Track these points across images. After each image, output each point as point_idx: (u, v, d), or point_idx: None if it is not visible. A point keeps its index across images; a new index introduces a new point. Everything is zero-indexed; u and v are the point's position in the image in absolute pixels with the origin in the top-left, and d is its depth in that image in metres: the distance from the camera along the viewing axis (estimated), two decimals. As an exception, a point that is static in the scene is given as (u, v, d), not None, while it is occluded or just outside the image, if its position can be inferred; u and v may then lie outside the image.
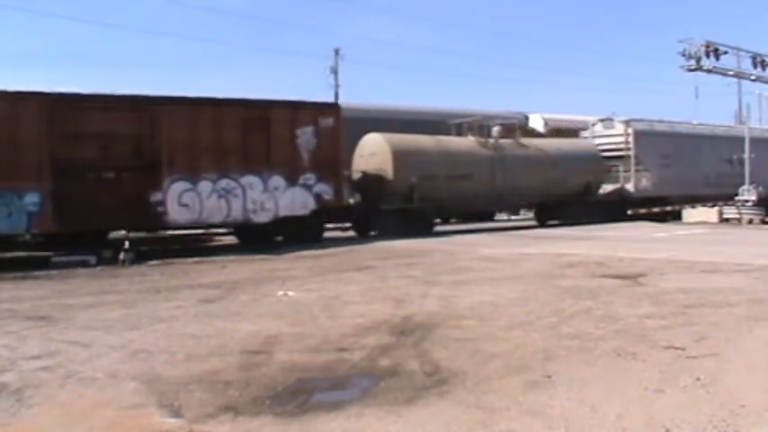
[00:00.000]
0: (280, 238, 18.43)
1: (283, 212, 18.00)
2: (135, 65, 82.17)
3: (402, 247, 17.54)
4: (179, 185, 16.73)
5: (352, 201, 20.97)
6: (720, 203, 26.60)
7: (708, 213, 25.39)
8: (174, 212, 16.66)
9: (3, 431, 4.62)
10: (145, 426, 4.64)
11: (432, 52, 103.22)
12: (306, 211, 18.35)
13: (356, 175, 21.29)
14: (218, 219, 17.40)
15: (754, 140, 29.57)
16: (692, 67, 26.93)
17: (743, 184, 27.63)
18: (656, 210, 25.84)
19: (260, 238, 17.81)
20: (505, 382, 5.37)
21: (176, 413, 4.84)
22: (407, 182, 20.74)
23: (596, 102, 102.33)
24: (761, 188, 26.96)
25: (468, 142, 23.36)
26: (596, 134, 27.58)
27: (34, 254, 15.90)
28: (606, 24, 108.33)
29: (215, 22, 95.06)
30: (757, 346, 6.48)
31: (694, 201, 27.41)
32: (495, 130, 23.93)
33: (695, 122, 32.10)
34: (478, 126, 23.69)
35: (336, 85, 44.55)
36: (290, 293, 10.11)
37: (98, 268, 14.19)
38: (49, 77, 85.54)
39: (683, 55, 26.47)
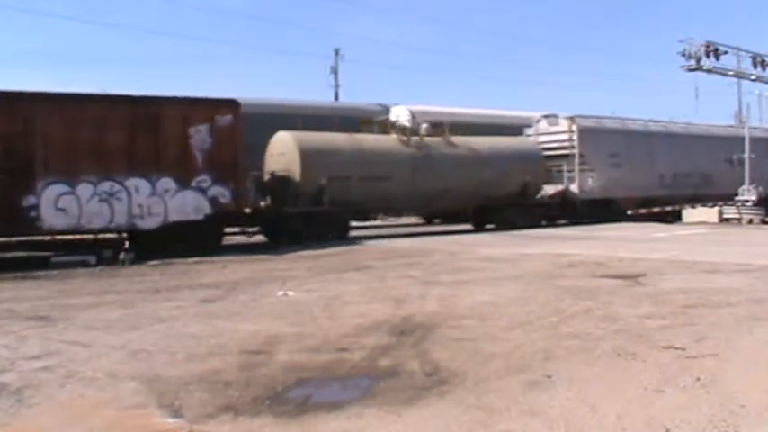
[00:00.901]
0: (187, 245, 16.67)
1: (174, 217, 16.56)
2: (135, 65, 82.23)
3: (402, 247, 17.54)
4: (55, 189, 15.44)
5: (263, 204, 19.50)
6: (695, 205, 26.09)
7: (708, 213, 25.37)
8: (50, 218, 15.38)
9: (3, 431, 4.62)
10: (145, 426, 4.64)
11: (432, 52, 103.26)
12: (200, 216, 16.88)
13: (267, 176, 19.92)
14: (99, 224, 16.02)
15: (732, 139, 28.92)
16: (692, 67, 26.89)
17: (704, 185, 27.11)
18: (655, 210, 25.76)
19: (149, 245, 16.07)
20: (505, 382, 5.37)
21: (176, 413, 4.84)
22: (316, 183, 19.21)
23: (596, 102, 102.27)
24: (761, 188, 26.63)
25: (388, 141, 21.82)
26: (541, 132, 25.89)
27: (34, 254, 15.89)
28: (606, 24, 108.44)
29: (215, 22, 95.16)
30: (757, 346, 6.48)
31: (647, 204, 26.27)
32: (424, 127, 22.30)
33: (649, 119, 30.17)
34: (404, 123, 22.10)
35: (336, 85, 44.58)
36: (290, 293, 10.11)
37: (98, 268, 14.18)
38: (49, 77, 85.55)
39: (683, 55, 26.45)
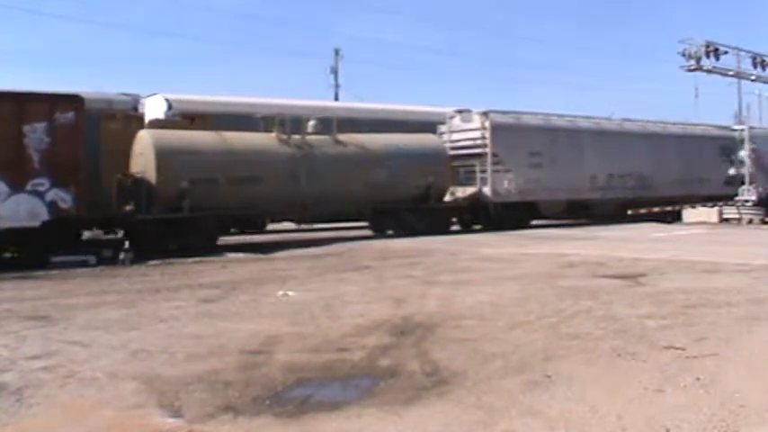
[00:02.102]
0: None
1: (5, 223, 14.91)
2: (135, 65, 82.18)
3: (402, 247, 17.53)
4: None
5: (128, 209, 17.52)
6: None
7: (708, 213, 25.36)
8: None
9: (3, 431, 4.62)
10: (145, 426, 4.64)
11: (432, 52, 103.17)
12: (36, 223, 15.25)
13: (129, 179, 17.84)
14: None
15: (680, 138, 28.23)
16: (692, 67, 26.86)
17: (644, 187, 25.85)
18: (656, 210, 25.73)
19: None
20: (505, 382, 5.37)
21: (176, 413, 4.84)
22: (176, 186, 17.05)
23: (596, 102, 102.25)
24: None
25: (264, 139, 19.35)
26: (454, 129, 23.73)
27: (34, 254, 15.88)
28: (606, 24, 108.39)
29: (215, 22, 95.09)
30: (757, 346, 6.48)
31: (576, 207, 25.08)
32: (311, 124, 20.09)
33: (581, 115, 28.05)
34: (288, 120, 19.63)
35: (336, 85, 44.53)
36: (290, 293, 10.11)
37: (98, 268, 14.18)
38: (49, 77, 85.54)
39: (683, 55, 26.42)
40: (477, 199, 22.54)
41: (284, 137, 19.36)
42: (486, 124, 22.89)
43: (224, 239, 19.17)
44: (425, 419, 4.60)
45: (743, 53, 27.87)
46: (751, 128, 30.41)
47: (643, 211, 25.62)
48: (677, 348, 6.26)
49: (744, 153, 28.76)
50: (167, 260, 15.19)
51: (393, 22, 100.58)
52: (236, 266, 14.17)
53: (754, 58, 28.00)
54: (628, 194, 26.19)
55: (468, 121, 23.45)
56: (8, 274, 12.97)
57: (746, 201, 25.41)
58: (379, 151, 20.49)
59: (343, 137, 20.27)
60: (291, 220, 20.78)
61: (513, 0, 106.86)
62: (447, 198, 22.30)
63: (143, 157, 17.47)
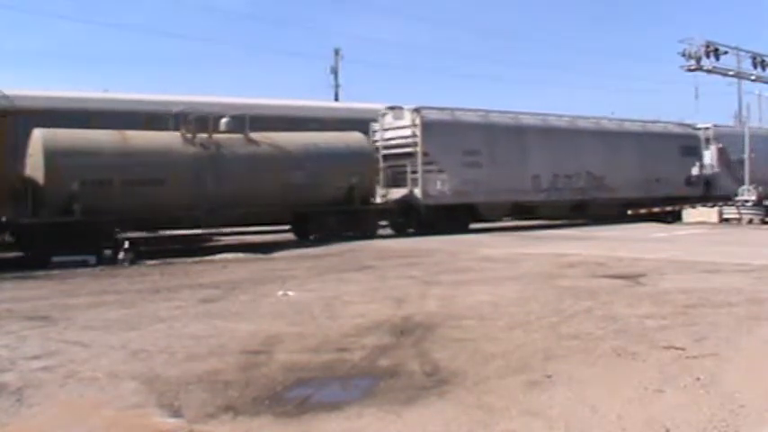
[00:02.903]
0: None
1: None
2: (135, 65, 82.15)
3: (402, 247, 17.54)
4: None
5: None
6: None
7: (708, 213, 25.37)
8: None
9: (3, 431, 4.62)
10: (145, 426, 4.64)
11: (432, 52, 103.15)
12: None
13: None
14: None
15: (636, 136, 27.13)
16: (692, 67, 26.87)
17: (595, 188, 24.69)
18: (656, 210, 25.70)
19: None
20: (505, 382, 5.37)
21: (176, 413, 4.84)
22: (65, 189, 15.79)
23: (596, 102, 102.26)
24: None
25: (167, 138, 17.88)
26: (386, 126, 22.20)
27: (34, 254, 15.88)
28: (606, 24, 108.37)
29: (215, 22, 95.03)
30: (757, 346, 6.49)
31: (520, 210, 23.84)
32: (224, 122, 18.67)
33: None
34: (193, 118, 18.07)
35: (336, 85, 44.50)
36: (290, 293, 10.11)
37: (98, 268, 14.19)
38: (49, 77, 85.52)
39: (683, 55, 26.43)
40: (408, 201, 21.18)
41: (190, 135, 17.94)
42: (417, 121, 21.28)
43: (224, 240, 19.17)
44: (425, 419, 4.60)
45: (743, 53, 27.90)
46: (716, 125, 29.87)
47: (643, 211, 25.62)
48: (677, 348, 6.26)
49: (709, 153, 28.60)
50: (167, 260, 15.20)
51: (393, 22, 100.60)
52: (236, 266, 14.17)
53: (754, 58, 28.01)
54: (577, 196, 24.62)
55: (400, 118, 21.85)
56: (8, 274, 12.97)
57: (746, 201, 25.40)
58: (297, 151, 19.20)
59: (257, 136, 18.93)
60: (199, 226, 18.60)
61: (514, 0, 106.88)
62: (379, 200, 21.11)
63: (33, 158, 16.59)
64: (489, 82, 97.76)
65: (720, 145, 29.18)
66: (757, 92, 37.79)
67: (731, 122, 42.42)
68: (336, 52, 45.22)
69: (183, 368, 5.99)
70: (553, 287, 10.11)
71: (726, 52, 27.10)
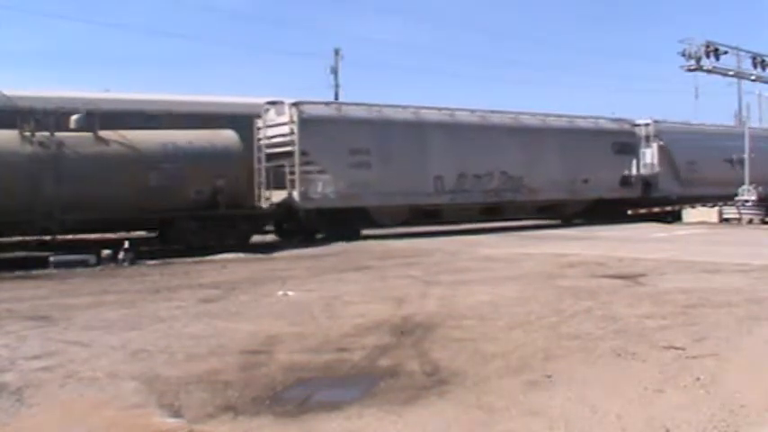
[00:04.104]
0: None
1: None
2: (135, 65, 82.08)
3: (402, 247, 17.54)
4: None
5: None
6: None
7: (708, 213, 25.34)
8: None
9: (3, 431, 4.62)
10: (145, 426, 4.64)
11: (432, 52, 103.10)
12: None
13: None
14: None
15: (547, 132, 24.46)
16: (692, 67, 26.87)
17: (512, 190, 22.62)
18: (656, 210, 25.67)
19: None
20: (505, 382, 5.37)
21: (176, 413, 4.84)
22: None
23: (596, 102, 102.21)
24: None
25: (3, 137, 16.04)
26: (268, 123, 20.16)
27: (34, 254, 15.88)
28: (606, 24, 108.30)
29: (215, 22, 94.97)
30: (757, 346, 6.49)
31: (421, 213, 21.73)
32: (74, 119, 16.88)
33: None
34: (31, 114, 16.41)
35: (336, 85, 44.50)
36: (290, 293, 10.11)
37: (98, 268, 14.18)
38: (49, 77, 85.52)
39: (683, 55, 26.43)
40: (289, 205, 19.34)
41: (28, 134, 16.11)
42: (295, 117, 19.21)
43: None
44: (425, 419, 4.60)
45: (743, 53, 27.90)
46: (656, 121, 27.58)
47: (643, 210, 25.61)
48: (677, 348, 6.26)
49: (649, 151, 26.59)
50: (167, 260, 15.20)
51: (393, 22, 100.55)
52: (236, 266, 14.17)
53: (754, 58, 28.01)
54: (489, 198, 22.59)
55: (282, 113, 19.79)
56: (8, 274, 12.98)
57: (746, 201, 25.39)
58: (152, 150, 17.17)
59: (108, 134, 16.99)
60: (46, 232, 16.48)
61: (514, 0, 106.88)
62: (264, 204, 19.59)
63: None
64: (489, 82, 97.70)
65: (662, 142, 27.03)
66: (757, 92, 37.74)
67: (732, 122, 42.38)
68: (336, 52, 45.23)
69: (183, 368, 5.99)
70: (553, 287, 10.11)
71: (726, 52, 27.10)
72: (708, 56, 26.57)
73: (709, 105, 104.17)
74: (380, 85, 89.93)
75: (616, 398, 4.93)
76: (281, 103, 19.96)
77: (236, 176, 18.00)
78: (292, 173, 19.14)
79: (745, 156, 27.01)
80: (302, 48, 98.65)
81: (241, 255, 16.20)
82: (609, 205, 25.18)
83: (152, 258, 15.37)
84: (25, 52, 75.53)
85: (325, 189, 19.54)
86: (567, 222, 25.29)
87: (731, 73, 28.94)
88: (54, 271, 13.75)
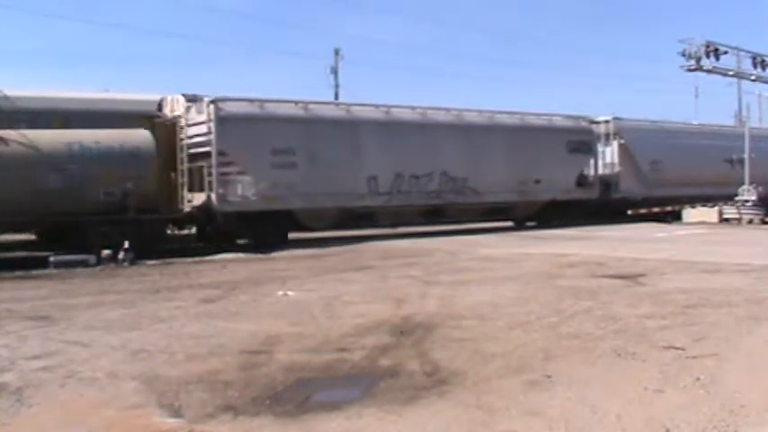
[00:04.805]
0: None
1: None
2: (135, 65, 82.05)
3: (402, 247, 17.54)
4: None
5: None
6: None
7: (708, 213, 25.35)
8: None
9: (3, 431, 4.62)
10: (145, 426, 4.64)
11: (432, 52, 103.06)
12: None
13: None
14: None
15: (494, 130, 23.06)
16: (692, 67, 26.85)
17: (456, 191, 21.46)
18: (656, 210, 25.65)
19: None
20: (505, 382, 5.37)
21: (176, 413, 4.84)
22: None
23: (596, 102, 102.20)
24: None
25: None
26: (190, 121, 18.75)
27: (34, 254, 15.88)
28: (606, 24, 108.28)
29: (215, 22, 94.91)
30: (757, 346, 6.49)
31: (353, 216, 20.43)
32: None
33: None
34: None
35: (336, 85, 44.50)
36: (290, 293, 10.12)
37: (98, 268, 14.18)
38: (49, 77, 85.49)
39: (683, 55, 26.42)
40: (208, 208, 18.08)
41: None
42: (212, 115, 17.99)
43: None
44: (425, 419, 4.60)
45: (743, 53, 27.89)
46: (617, 118, 26.53)
47: (643, 210, 25.59)
48: (677, 348, 6.26)
49: (609, 150, 25.59)
50: (167, 260, 15.20)
51: (393, 22, 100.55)
52: (236, 266, 14.17)
53: (754, 58, 28.01)
54: (429, 200, 21.34)
55: (201, 111, 18.51)
56: (8, 274, 12.98)
57: (746, 201, 25.39)
58: (55, 151, 16.13)
59: (8, 133, 16.03)
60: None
61: (514, 0, 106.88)
62: (186, 207, 18.49)
63: None
64: (489, 82, 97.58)
65: (623, 141, 25.95)
66: (757, 92, 37.83)
67: (731, 122, 42.38)
68: (336, 52, 45.21)
69: (183, 368, 5.99)
70: (553, 287, 10.11)
71: (726, 52, 27.09)
72: (708, 56, 26.56)
73: (709, 105, 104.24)
74: (380, 85, 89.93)
75: (616, 398, 4.92)
76: (201, 99, 18.68)
77: (147, 178, 16.94)
78: (210, 174, 17.94)
79: (745, 156, 26.98)
80: (302, 48, 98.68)
81: (241, 255, 16.21)
82: (564, 207, 24.00)
83: (152, 258, 15.34)
84: (25, 52, 75.53)
85: (245, 191, 18.38)
86: (521, 225, 24.08)
87: (731, 73, 28.94)
88: (54, 271, 13.76)
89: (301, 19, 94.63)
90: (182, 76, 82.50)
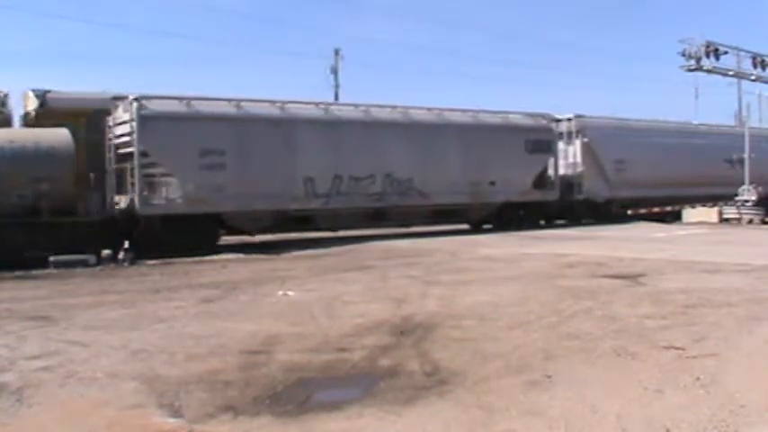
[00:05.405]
0: None
1: None
2: (135, 65, 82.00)
3: (402, 246, 17.53)
4: None
5: None
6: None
7: (708, 213, 25.33)
8: None
9: (3, 431, 4.62)
10: (145, 426, 4.64)
11: (432, 52, 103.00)
12: None
13: None
14: None
15: (444, 128, 21.68)
16: (692, 67, 26.85)
17: (400, 193, 20.32)
18: (656, 210, 25.61)
19: None
20: (505, 382, 5.37)
21: (176, 413, 4.84)
22: None
23: (596, 102, 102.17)
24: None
25: None
26: (117, 121, 17.80)
27: (34, 254, 15.87)
28: (606, 24, 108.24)
29: (215, 22, 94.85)
30: (757, 346, 6.49)
31: (289, 220, 19.26)
32: None
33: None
34: None
35: (336, 85, 44.46)
36: (290, 293, 10.12)
37: (98, 268, 14.19)
38: (49, 77, 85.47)
39: (683, 55, 26.42)
40: (131, 211, 17.15)
41: None
42: (135, 114, 16.97)
43: (224, 239, 19.17)
44: (425, 419, 4.60)
45: (743, 53, 27.88)
46: (579, 116, 25.20)
47: (643, 210, 25.56)
48: (677, 348, 6.26)
49: (572, 149, 24.54)
50: (167, 260, 15.20)
51: (393, 22, 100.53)
52: (236, 266, 14.17)
53: (754, 58, 28.01)
54: (371, 202, 20.18)
55: (126, 110, 17.53)
56: (8, 274, 12.98)
57: (746, 201, 25.38)
58: None
59: None
60: None
61: (514, 0, 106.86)
62: (114, 210, 17.67)
63: None
64: (489, 82, 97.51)
65: (586, 139, 24.70)
66: (757, 92, 37.74)
67: (732, 122, 42.36)
68: (336, 52, 45.15)
69: (183, 368, 5.99)
70: (553, 287, 10.10)
71: (726, 52, 27.09)
72: (708, 56, 26.55)
73: (710, 105, 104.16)
74: (381, 85, 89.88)
75: (616, 398, 4.92)
76: (126, 98, 17.59)
77: (63, 180, 15.96)
78: (133, 176, 17.03)
79: (745, 155, 26.97)
80: (302, 48, 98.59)
81: (241, 255, 16.20)
82: (522, 209, 23.09)
83: (152, 258, 15.34)
84: (25, 52, 75.49)
85: (170, 193, 17.40)
86: (477, 228, 22.89)
87: (731, 73, 28.92)
88: (54, 271, 13.76)
89: (301, 19, 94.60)
90: (182, 76, 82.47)
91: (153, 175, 17.31)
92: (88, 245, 15.43)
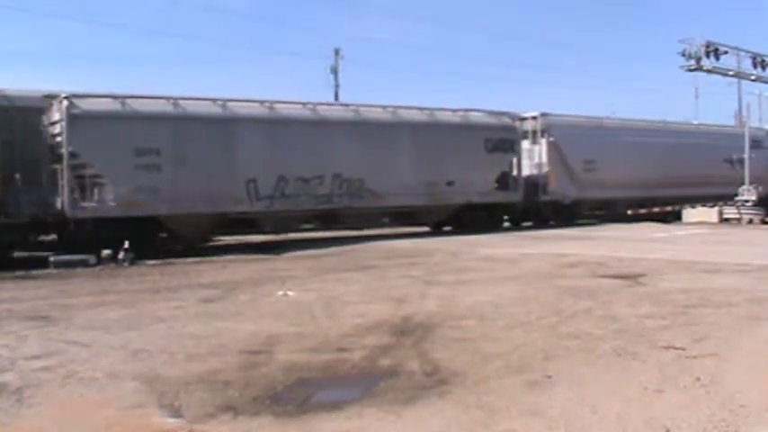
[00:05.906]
0: None
1: None
2: (135, 65, 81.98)
3: (403, 246, 17.53)
4: None
5: None
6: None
7: (708, 213, 25.33)
8: None
9: (3, 431, 4.62)
10: (145, 426, 4.64)
11: (432, 52, 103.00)
12: None
13: None
14: None
15: (397, 127, 20.82)
16: (692, 67, 26.84)
17: (349, 195, 19.55)
18: (656, 209, 25.60)
19: None
20: (505, 382, 5.37)
21: (176, 413, 4.84)
22: None
23: (596, 102, 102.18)
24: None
25: None
26: (51, 120, 16.99)
27: (34, 254, 15.87)
28: (606, 24, 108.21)
29: (215, 22, 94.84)
30: (757, 346, 6.49)
31: (232, 223, 18.81)
32: None
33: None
34: None
35: (336, 85, 44.45)
36: (290, 293, 10.12)
37: (98, 268, 14.19)
38: (48, 77, 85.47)
39: (683, 55, 26.40)
40: (62, 213, 16.43)
41: None
42: (64, 113, 16.29)
43: (224, 239, 19.18)
44: (425, 419, 4.60)
45: (743, 53, 27.88)
46: (544, 114, 24.55)
47: (643, 211, 25.56)
48: (677, 348, 6.26)
49: (537, 148, 23.83)
50: (167, 260, 15.20)
51: (393, 22, 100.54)
52: (236, 266, 14.17)
53: (754, 58, 28.01)
54: (320, 204, 19.37)
55: (59, 110, 16.86)
56: (8, 274, 12.98)
57: (746, 201, 25.38)
58: None
59: None
60: None
61: (514, 0, 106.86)
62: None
63: None
64: (489, 82, 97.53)
65: (552, 138, 23.96)
66: (757, 92, 37.67)
67: (732, 122, 42.37)
68: (336, 52, 45.12)
69: (183, 368, 5.99)
70: (553, 287, 10.11)
71: (726, 52, 27.08)
72: (708, 56, 26.55)
73: (710, 105, 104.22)
74: (381, 85, 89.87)
75: (616, 398, 4.93)
76: (57, 96, 16.84)
77: None
78: (63, 177, 16.28)
79: (745, 156, 26.97)
80: (302, 48, 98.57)
81: (241, 255, 16.20)
82: (482, 211, 22.42)
83: (152, 258, 15.34)
84: (25, 52, 75.49)
85: (102, 196, 16.58)
86: (438, 230, 22.24)
87: (731, 73, 28.92)
88: (54, 271, 13.76)
89: (301, 19, 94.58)
90: (182, 76, 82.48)
91: (83, 177, 16.44)
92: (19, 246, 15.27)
